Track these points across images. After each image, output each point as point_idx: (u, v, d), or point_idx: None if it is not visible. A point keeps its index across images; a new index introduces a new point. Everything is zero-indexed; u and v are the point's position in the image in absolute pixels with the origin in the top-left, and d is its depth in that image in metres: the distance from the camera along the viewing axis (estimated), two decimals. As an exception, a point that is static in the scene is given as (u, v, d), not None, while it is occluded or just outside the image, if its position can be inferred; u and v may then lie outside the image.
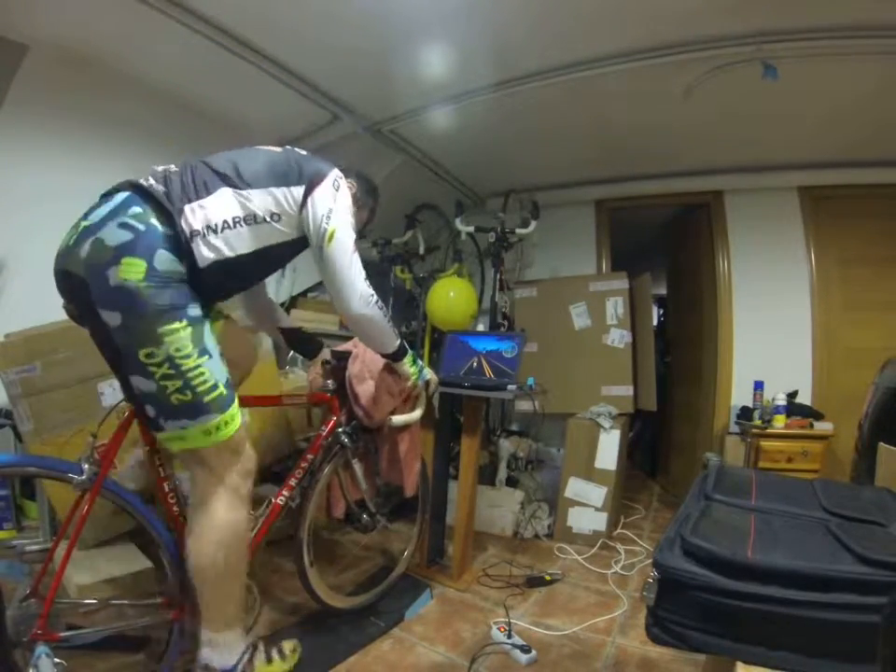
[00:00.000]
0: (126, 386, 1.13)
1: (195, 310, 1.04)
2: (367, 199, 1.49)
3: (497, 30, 1.80)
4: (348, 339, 1.83)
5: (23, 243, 1.77)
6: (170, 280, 1.00)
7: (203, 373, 1.02)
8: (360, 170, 1.50)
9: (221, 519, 1.08)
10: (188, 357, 1.00)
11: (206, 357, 1.04)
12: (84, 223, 1.03)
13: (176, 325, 0.99)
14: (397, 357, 1.51)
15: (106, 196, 1.08)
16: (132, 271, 0.96)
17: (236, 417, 1.09)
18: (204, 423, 1.03)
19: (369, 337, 1.40)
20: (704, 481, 1.09)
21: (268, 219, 1.14)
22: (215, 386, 1.04)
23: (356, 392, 1.55)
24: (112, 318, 0.98)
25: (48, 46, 1.81)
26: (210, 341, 1.06)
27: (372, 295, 1.29)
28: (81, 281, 0.99)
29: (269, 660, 1.22)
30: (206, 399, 1.03)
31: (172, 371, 0.99)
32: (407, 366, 1.54)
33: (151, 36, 1.80)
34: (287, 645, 1.30)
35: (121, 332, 0.98)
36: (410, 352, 1.55)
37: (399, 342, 1.46)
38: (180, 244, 1.02)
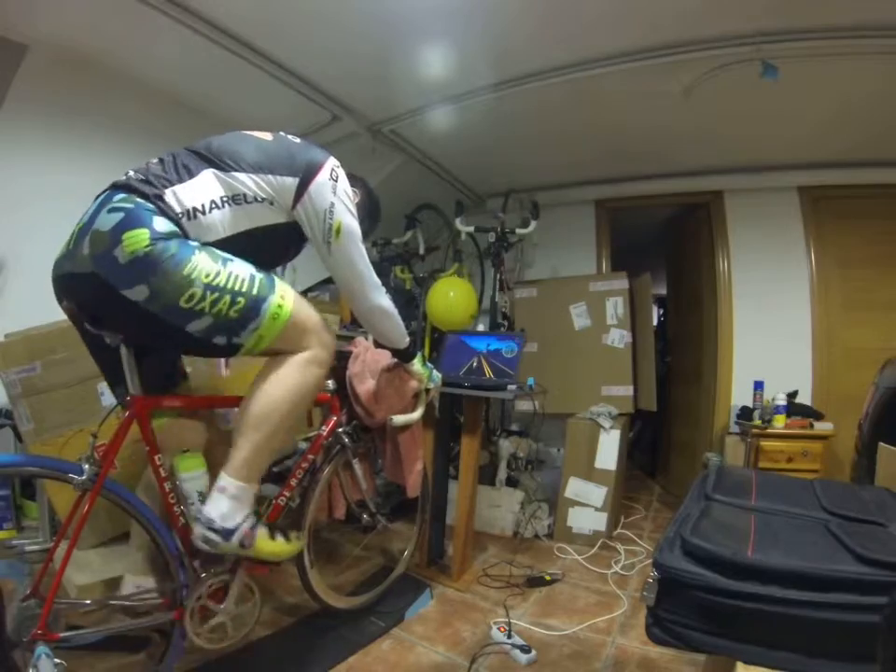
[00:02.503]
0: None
1: (195, 242, 1.05)
2: (364, 216, 1.35)
3: (497, 30, 1.80)
4: (349, 339, 1.84)
5: (23, 242, 1.77)
6: (170, 237, 1.00)
7: (237, 276, 1.05)
8: (370, 186, 1.46)
9: (297, 371, 1.11)
10: (218, 274, 1.02)
11: (229, 262, 1.06)
12: (77, 227, 1.04)
13: (193, 259, 1.00)
14: (407, 357, 1.52)
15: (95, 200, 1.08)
16: (136, 242, 0.96)
17: (287, 291, 1.12)
18: (267, 310, 1.06)
19: (382, 330, 1.40)
20: (704, 481, 1.09)
21: (259, 200, 1.12)
22: (252, 278, 1.07)
23: (356, 392, 1.55)
24: (139, 293, 0.97)
25: (48, 46, 1.81)
26: (220, 251, 1.07)
27: (382, 285, 1.31)
28: (90, 277, 0.98)
29: (272, 536, 1.19)
30: (254, 291, 1.06)
31: (216, 295, 1.01)
32: (418, 366, 1.56)
33: (151, 37, 1.80)
34: (293, 533, 1.28)
35: (154, 299, 0.98)
36: (419, 353, 1.56)
37: (409, 339, 1.47)
38: (170, 218, 1.03)
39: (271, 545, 1.18)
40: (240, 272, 1.06)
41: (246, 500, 1.11)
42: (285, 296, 1.11)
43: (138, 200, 1.01)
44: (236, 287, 1.04)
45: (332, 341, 1.21)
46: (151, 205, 1.01)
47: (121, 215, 0.98)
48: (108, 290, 0.97)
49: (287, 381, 1.11)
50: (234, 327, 1.05)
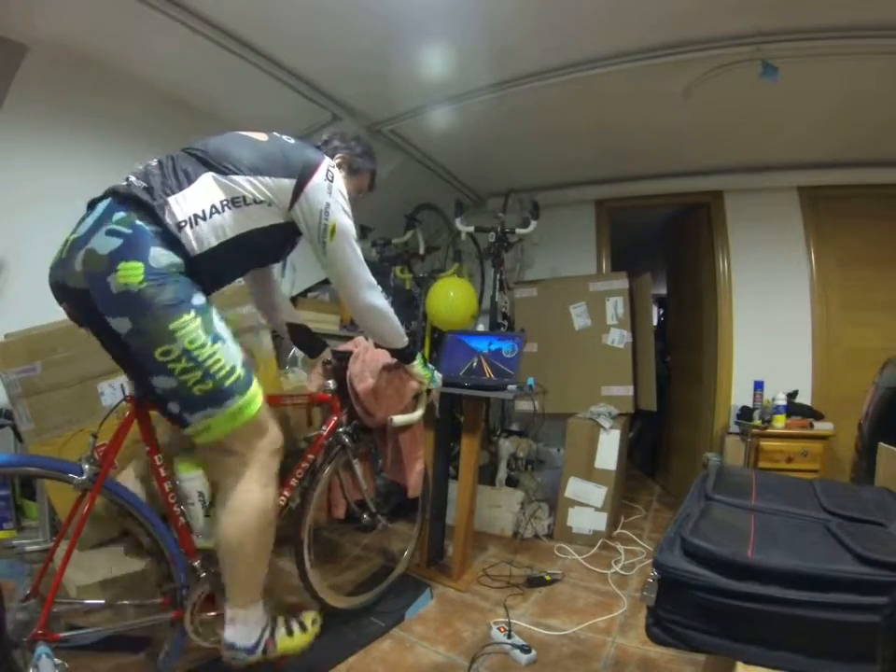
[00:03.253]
0: (138, 384, 1.13)
1: (199, 299, 1.03)
2: (363, 162, 1.42)
3: (497, 30, 1.80)
4: (349, 339, 1.84)
5: (23, 243, 1.76)
6: (169, 275, 0.99)
7: (219, 360, 1.02)
8: (348, 132, 1.46)
9: (254, 497, 1.08)
10: (202, 346, 1.00)
11: (220, 342, 1.04)
12: (72, 236, 1.03)
13: (185, 317, 0.99)
14: (406, 357, 1.52)
15: (92, 206, 1.07)
16: (130, 275, 0.95)
17: (258, 396, 1.09)
18: (229, 407, 1.03)
19: (378, 330, 1.41)
20: (704, 481, 1.09)
21: (258, 202, 1.13)
22: (233, 370, 1.04)
23: (356, 392, 1.55)
24: (121, 325, 0.97)
25: (48, 46, 1.81)
26: (219, 326, 1.06)
27: (378, 284, 1.31)
28: (82, 292, 0.99)
29: (290, 633, 1.21)
30: (227, 383, 1.03)
31: (190, 364, 0.99)
32: (419, 368, 1.56)
33: (151, 36, 1.80)
34: (308, 616, 1.28)
35: (134, 337, 0.98)
36: (419, 354, 1.56)
37: (407, 339, 1.47)
38: (170, 237, 1.02)
39: (291, 642, 1.20)
40: (223, 357, 1.03)
41: (258, 618, 1.14)
42: (253, 401, 1.07)
43: (138, 222, 1.00)
44: (211, 370, 1.01)
45: (281, 442, 1.16)
46: (151, 227, 1.01)
47: (119, 241, 0.97)
48: (97, 310, 0.98)
49: (248, 511, 1.08)
50: (191, 404, 1.02)
